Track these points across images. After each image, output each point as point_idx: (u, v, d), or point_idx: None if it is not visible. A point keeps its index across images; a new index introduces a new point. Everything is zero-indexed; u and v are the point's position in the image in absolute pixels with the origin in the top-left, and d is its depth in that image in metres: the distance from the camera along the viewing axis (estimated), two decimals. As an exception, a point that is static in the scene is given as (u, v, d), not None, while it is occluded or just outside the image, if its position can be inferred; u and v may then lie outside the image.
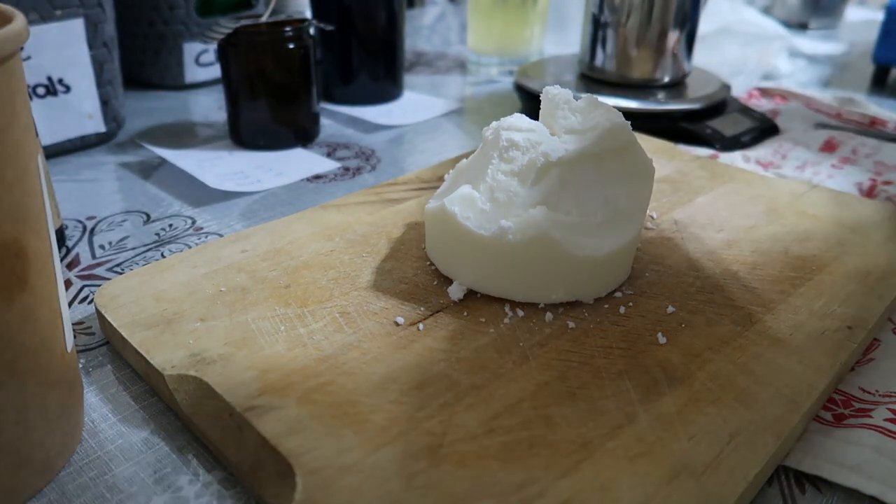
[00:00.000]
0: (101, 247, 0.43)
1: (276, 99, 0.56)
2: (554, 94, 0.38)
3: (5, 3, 0.24)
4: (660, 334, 0.32)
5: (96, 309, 0.34)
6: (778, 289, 0.36)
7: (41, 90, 0.53)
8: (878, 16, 0.84)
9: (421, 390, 0.28)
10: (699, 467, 0.25)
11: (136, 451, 0.28)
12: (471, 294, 0.35)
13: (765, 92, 0.73)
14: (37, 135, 0.36)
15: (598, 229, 0.35)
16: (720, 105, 0.63)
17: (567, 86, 0.44)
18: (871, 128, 0.62)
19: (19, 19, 0.22)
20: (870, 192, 0.52)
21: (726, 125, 0.61)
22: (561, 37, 0.99)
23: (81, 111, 0.56)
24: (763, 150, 0.59)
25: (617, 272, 0.35)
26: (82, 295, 0.38)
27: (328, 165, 0.56)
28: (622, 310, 0.34)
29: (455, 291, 0.34)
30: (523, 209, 0.34)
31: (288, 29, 0.55)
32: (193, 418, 0.28)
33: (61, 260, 0.42)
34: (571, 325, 0.33)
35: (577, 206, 0.35)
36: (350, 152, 0.59)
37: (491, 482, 0.24)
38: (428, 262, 0.37)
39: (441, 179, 0.48)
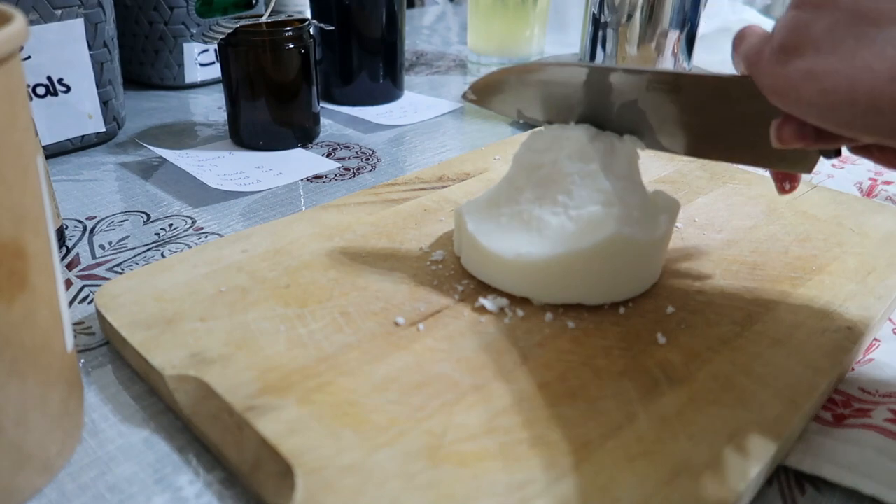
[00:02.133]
0: (101, 247, 0.43)
1: (276, 99, 0.56)
2: None
3: (5, 4, 0.24)
4: (659, 334, 0.32)
5: (96, 309, 0.34)
6: (778, 289, 0.36)
7: (41, 90, 0.53)
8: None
9: (421, 390, 0.28)
10: (699, 467, 0.25)
11: (136, 451, 0.28)
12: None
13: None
14: (37, 135, 0.36)
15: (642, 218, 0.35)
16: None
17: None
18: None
19: (19, 19, 0.22)
20: (870, 192, 0.52)
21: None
22: (561, 37, 0.99)
23: (81, 111, 0.56)
24: (763, 150, 0.59)
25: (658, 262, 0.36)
26: (82, 295, 0.38)
27: (328, 165, 0.56)
28: (622, 310, 0.34)
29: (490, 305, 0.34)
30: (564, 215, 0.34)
31: (288, 29, 0.55)
32: (193, 418, 0.28)
33: (61, 260, 0.42)
34: (571, 325, 0.33)
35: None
36: (350, 152, 0.59)
37: (491, 482, 0.24)
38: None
39: (441, 179, 0.48)
